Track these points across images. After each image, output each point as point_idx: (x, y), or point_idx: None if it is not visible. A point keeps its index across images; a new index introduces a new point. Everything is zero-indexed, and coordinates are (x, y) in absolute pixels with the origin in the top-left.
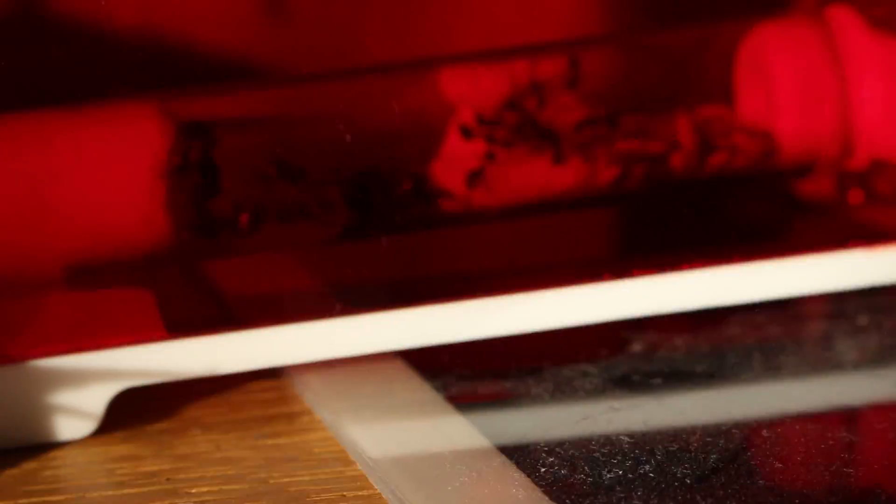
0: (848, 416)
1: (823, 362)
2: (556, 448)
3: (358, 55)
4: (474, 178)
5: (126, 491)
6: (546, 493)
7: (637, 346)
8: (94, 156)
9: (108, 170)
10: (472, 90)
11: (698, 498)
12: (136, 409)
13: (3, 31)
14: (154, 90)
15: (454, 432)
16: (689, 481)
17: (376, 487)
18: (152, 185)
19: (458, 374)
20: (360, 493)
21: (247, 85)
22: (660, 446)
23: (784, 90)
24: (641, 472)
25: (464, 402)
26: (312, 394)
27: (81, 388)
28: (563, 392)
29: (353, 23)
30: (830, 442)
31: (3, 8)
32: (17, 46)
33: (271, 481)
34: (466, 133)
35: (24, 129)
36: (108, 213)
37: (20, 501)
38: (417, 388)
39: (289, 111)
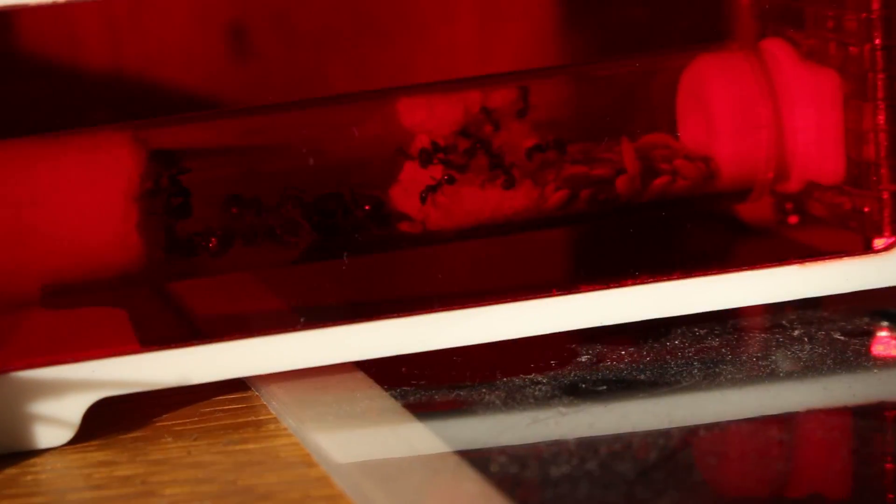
0: (781, 420)
1: (759, 371)
2: (507, 449)
3: (319, 87)
4: (428, 194)
5: (103, 493)
6: (497, 488)
7: (584, 357)
8: (71, 181)
9: (83, 194)
10: (428, 119)
11: (638, 490)
12: (110, 419)
13: (22, 65)
14: (127, 120)
15: (412, 437)
16: (630, 476)
17: (339, 487)
18: (125, 208)
19: (416, 384)
20: (324, 493)
21: (213, 115)
22: (604, 446)
23: (722, 118)
24: (586, 468)
25: (421, 410)
26: (278, 403)
27: (59, 399)
28: (515, 399)
29: (314, 57)
30: (764, 442)
31: (20, 46)
32: (37, 78)
33: (240, 483)
34: (429, 157)
35: (5, 156)
36: (84, 235)
37: (3, 500)
38: (377, 397)
39: (254, 140)
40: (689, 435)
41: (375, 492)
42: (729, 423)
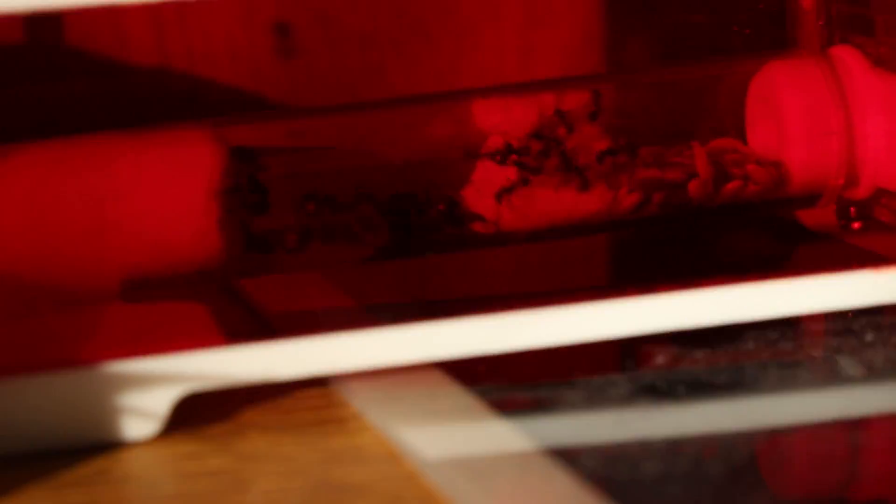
0: (859, 424)
1: (835, 375)
2: (595, 447)
3: (396, 88)
4: (503, 195)
5: (195, 484)
6: (589, 486)
7: (660, 359)
8: (153, 177)
9: (165, 190)
10: (503, 120)
11: (730, 488)
12: (194, 413)
13: (71, 64)
14: (208, 118)
15: (498, 434)
16: (721, 475)
17: (432, 483)
18: (206, 205)
19: (495, 382)
20: (417, 489)
21: (291, 115)
22: (690, 446)
23: (793, 123)
24: (676, 467)
25: (504, 408)
26: (360, 400)
27: (148, 391)
28: (596, 399)
29: (390, 58)
30: (845, 444)
31: (70, 45)
32: (86, 77)
33: (331, 477)
34: (503, 158)
35: (89, 151)
36: (166, 231)
37: (96, 492)
38: (458, 395)
39: (332, 139)
40: (774, 437)
41: (469, 488)
42: (810, 426)
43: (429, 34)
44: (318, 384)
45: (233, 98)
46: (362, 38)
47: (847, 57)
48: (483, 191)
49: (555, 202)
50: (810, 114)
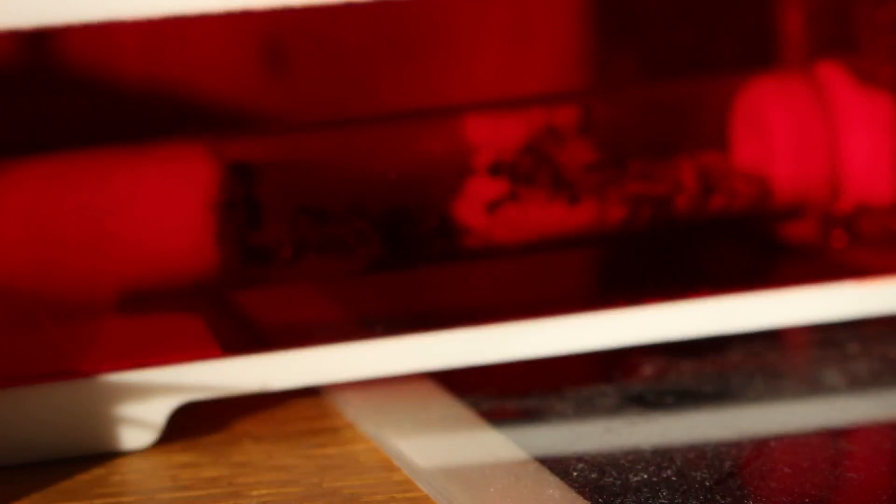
0: (844, 432)
1: (818, 385)
2: (585, 456)
3: (388, 103)
4: (493, 209)
5: (192, 493)
6: (579, 493)
7: (648, 369)
8: (150, 191)
9: (162, 204)
10: (494, 135)
11: (718, 497)
12: (190, 423)
13: (62, 79)
14: (204, 133)
15: (490, 443)
16: (708, 483)
17: (424, 491)
18: (202, 218)
19: (486, 393)
20: (408, 495)
21: (287, 130)
22: (678, 455)
23: (778, 138)
24: (664, 475)
25: (496, 418)
26: (353, 409)
27: (144, 402)
28: (585, 409)
29: (379, 76)
30: (832, 452)
31: (60, 61)
32: (76, 93)
33: (325, 485)
34: (494, 173)
35: (87, 165)
36: (162, 244)
37: (95, 502)
38: (450, 405)
39: (325, 154)
40: (761, 445)
41: (461, 496)
42: (796, 434)
43: (416, 51)
44: (311, 394)
45: (223, 113)
46: (350, 54)
47: (832, 73)
48: (474, 204)
49: (544, 216)
50: (795, 129)
